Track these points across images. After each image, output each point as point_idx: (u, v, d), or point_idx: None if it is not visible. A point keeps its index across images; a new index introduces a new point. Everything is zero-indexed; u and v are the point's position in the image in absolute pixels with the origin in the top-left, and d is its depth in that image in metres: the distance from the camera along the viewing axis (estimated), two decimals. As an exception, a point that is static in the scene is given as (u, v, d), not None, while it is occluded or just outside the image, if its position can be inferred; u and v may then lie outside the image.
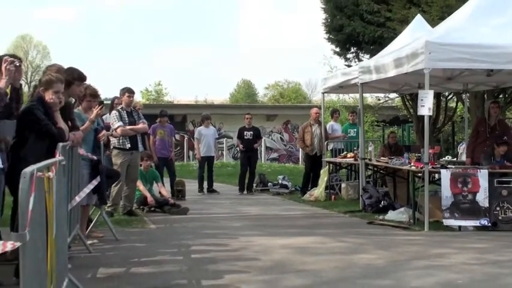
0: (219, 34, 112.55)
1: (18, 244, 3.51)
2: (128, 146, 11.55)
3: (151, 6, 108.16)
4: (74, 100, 8.50)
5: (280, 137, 41.64)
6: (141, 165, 12.58)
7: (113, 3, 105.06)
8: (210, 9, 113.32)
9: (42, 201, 4.30)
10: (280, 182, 17.82)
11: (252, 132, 17.32)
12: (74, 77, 7.75)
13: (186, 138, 34.24)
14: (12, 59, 5.61)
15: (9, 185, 6.26)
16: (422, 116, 11.06)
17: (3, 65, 5.50)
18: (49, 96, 6.46)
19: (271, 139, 40.95)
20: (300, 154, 31.14)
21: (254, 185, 17.59)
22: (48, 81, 6.57)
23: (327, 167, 15.51)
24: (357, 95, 16.77)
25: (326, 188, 15.20)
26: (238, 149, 19.78)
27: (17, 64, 5.67)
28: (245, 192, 17.08)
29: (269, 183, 17.97)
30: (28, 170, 3.81)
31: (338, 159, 16.01)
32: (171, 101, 57.99)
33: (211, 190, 17.08)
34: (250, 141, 17.24)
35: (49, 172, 4.54)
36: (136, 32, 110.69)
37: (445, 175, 10.30)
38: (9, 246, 3.43)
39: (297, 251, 8.29)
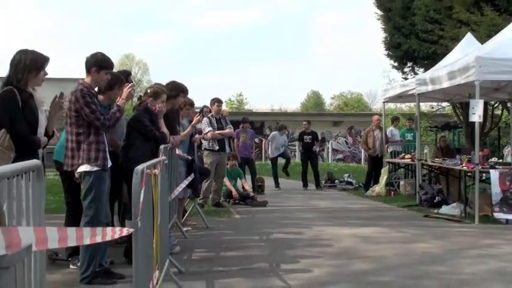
0: (292, 51, 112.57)
1: (131, 230, 3.60)
2: (217, 148, 11.67)
3: (233, 28, 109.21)
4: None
5: (345, 141, 41.31)
6: (227, 164, 12.68)
7: (201, 27, 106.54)
8: (285, 29, 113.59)
9: (150, 194, 4.39)
10: (345, 179, 17.66)
11: (310, 136, 17.25)
12: (181, 90, 7.90)
13: (264, 141, 34.34)
14: (133, 83, 5.82)
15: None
16: (472, 122, 10.79)
17: (125, 88, 5.70)
18: (157, 105, 6.59)
19: (337, 142, 40.77)
20: (363, 155, 30.82)
21: (323, 181, 17.48)
22: (155, 93, 6.68)
23: (387, 166, 15.31)
24: (412, 104, 16.51)
25: (386, 185, 15.00)
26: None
27: (134, 89, 5.88)
28: (308, 187, 16.99)
29: (336, 181, 17.83)
30: (139, 168, 3.89)
31: (397, 160, 15.80)
32: (250, 109, 58.20)
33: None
34: (309, 144, 17.17)
35: (155, 169, 4.63)
36: (220, 50, 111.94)
37: (494, 174, 10.02)
38: (125, 232, 3.52)
39: (362, 239, 8.19)
